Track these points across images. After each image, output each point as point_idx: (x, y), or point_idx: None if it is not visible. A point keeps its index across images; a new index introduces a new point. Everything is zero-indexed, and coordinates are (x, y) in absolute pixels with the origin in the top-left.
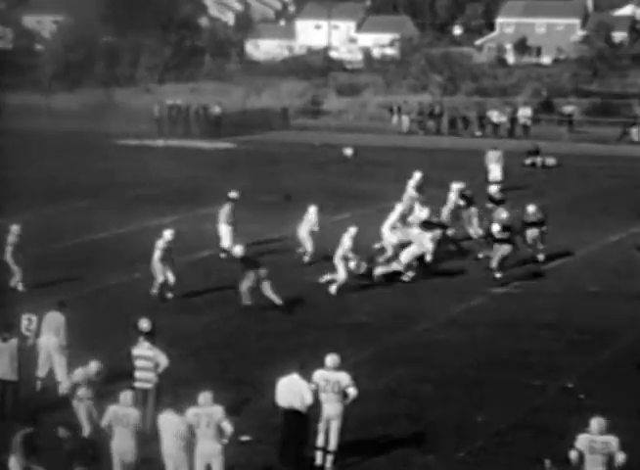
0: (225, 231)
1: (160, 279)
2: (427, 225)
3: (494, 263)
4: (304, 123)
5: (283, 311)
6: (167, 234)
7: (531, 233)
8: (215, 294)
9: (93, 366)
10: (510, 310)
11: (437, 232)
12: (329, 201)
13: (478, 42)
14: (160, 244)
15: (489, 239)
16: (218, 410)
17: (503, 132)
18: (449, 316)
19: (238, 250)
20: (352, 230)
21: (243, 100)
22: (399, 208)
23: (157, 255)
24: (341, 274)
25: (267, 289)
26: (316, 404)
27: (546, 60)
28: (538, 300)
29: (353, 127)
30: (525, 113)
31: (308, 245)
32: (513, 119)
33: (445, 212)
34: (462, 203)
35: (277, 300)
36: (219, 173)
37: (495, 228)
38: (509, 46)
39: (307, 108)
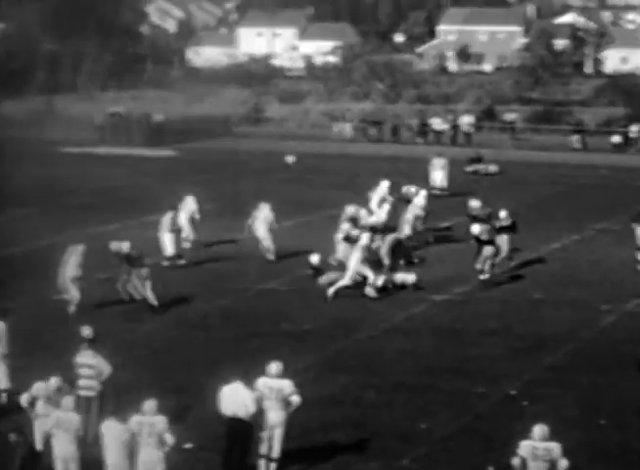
0: (168, 239)
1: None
2: (373, 230)
3: (479, 265)
4: (247, 131)
5: (156, 312)
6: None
7: (501, 238)
8: (160, 301)
9: (53, 382)
10: (452, 317)
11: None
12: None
13: (419, 50)
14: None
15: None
16: (161, 420)
17: (445, 140)
18: (392, 324)
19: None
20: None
21: (185, 108)
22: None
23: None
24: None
25: (148, 289)
26: (260, 412)
27: (488, 67)
28: (480, 306)
29: (296, 135)
30: (467, 120)
31: (269, 242)
32: (455, 127)
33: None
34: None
35: (153, 301)
36: (161, 181)
37: (475, 230)
38: (451, 53)
39: (249, 115)
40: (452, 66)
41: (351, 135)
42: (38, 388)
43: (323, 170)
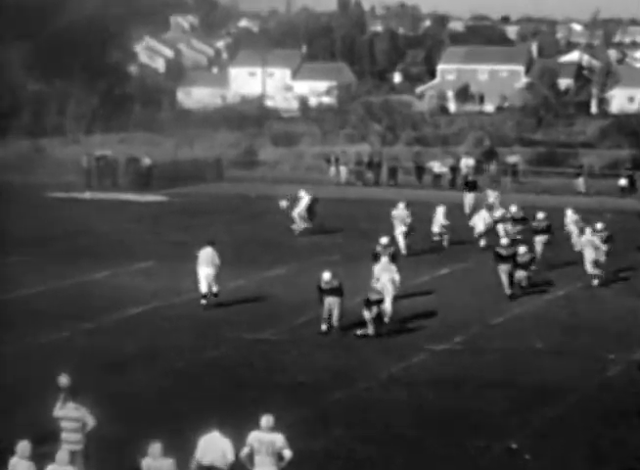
0: (208, 274)
1: None
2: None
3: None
4: (239, 175)
5: None
6: None
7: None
8: (146, 352)
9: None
10: (452, 368)
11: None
12: (264, 254)
13: (418, 90)
14: None
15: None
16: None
17: (444, 183)
18: (389, 374)
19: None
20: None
21: (174, 151)
22: None
23: None
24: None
25: None
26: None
27: (489, 107)
28: (482, 356)
29: (290, 178)
30: (467, 163)
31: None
32: (454, 169)
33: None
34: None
35: None
36: (150, 227)
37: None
38: (450, 93)
39: (241, 158)
40: (452, 106)
41: (347, 179)
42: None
43: (319, 215)
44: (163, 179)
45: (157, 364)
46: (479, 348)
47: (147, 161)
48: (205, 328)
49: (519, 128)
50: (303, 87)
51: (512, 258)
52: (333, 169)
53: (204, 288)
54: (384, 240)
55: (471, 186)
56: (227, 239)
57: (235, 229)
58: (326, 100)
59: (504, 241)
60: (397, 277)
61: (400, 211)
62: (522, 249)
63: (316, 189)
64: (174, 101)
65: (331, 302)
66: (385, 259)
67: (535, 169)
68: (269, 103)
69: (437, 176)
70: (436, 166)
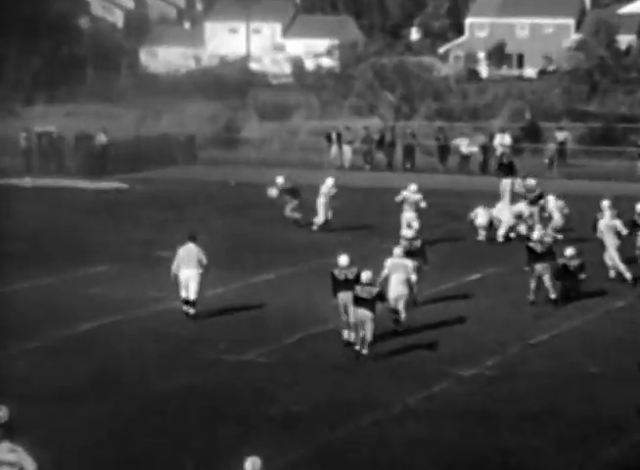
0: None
1: None
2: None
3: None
4: (217, 156)
5: None
6: None
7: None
8: (101, 378)
9: None
10: (483, 398)
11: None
12: (248, 256)
13: (441, 50)
14: None
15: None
16: None
17: (474, 166)
18: (405, 405)
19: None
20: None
21: (136, 126)
22: None
23: None
24: None
25: None
26: None
27: (530, 72)
28: (520, 383)
29: (280, 161)
30: (502, 141)
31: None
32: (486, 149)
33: None
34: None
35: None
36: (107, 222)
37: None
38: (482, 54)
39: (220, 136)
40: (483, 70)
41: (352, 161)
42: None
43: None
44: (123, 162)
45: (115, 393)
46: (516, 372)
47: (102, 138)
48: (176, 348)
49: (567, 98)
50: (297, 47)
51: (549, 256)
52: (334, 150)
53: (186, 293)
54: (408, 232)
55: (506, 169)
56: (202, 237)
57: (212, 225)
58: (326, 62)
59: (537, 234)
60: (414, 277)
61: (412, 194)
62: (569, 251)
63: (313, 174)
64: (136, 63)
65: (346, 299)
66: (398, 252)
67: (588, 149)
68: (255, 66)
69: (465, 157)
70: (464, 145)
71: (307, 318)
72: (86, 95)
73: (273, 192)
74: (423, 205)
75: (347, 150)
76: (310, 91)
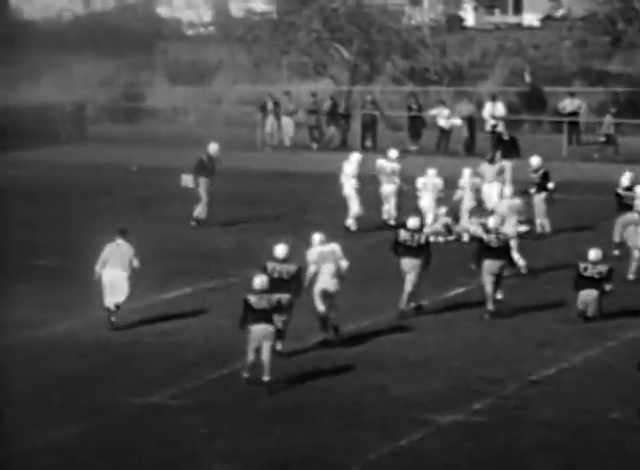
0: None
1: None
2: None
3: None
4: (113, 132)
5: None
6: None
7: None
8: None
9: None
10: (468, 453)
11: None
12: (156, 265)
13: None
14: None
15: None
16: None
17: (456, 145)
18: (365, 464)
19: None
20: None
21: (5, 91)
22: None
23: None
24: None
25: None
26: None
27: (531, 19)
28: (518, 433)
29: (197, 137)
30: (494, 111)
31: None
32: (473, 122)
33: None
34: None
35: None
36: None
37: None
38: None
39: (118, 105)
40: (469, 16)
41: (294, 138)
42: None
43: (245, 199)
44: None
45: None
46: (512, 418)
47: None
48: (71, 387)
49: (580, 54)
50: None
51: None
52: (271, 123)
53: (111, 299)
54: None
55: (507, 148)
56: (97, 239)
57: (107, 224)
58: (259, 7)
59: (593, 254)
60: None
61: (389, 163)
62: (593, 253)
63: (241, 155)
64: (6, 8)
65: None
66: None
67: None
68: (164, 12)
69: (445, 133)
70: (443, 117)
71: (234, 347)
72: None
73: (188, 180)
74: (442, 194)
75: (288, 123)
76: (238, 45)
